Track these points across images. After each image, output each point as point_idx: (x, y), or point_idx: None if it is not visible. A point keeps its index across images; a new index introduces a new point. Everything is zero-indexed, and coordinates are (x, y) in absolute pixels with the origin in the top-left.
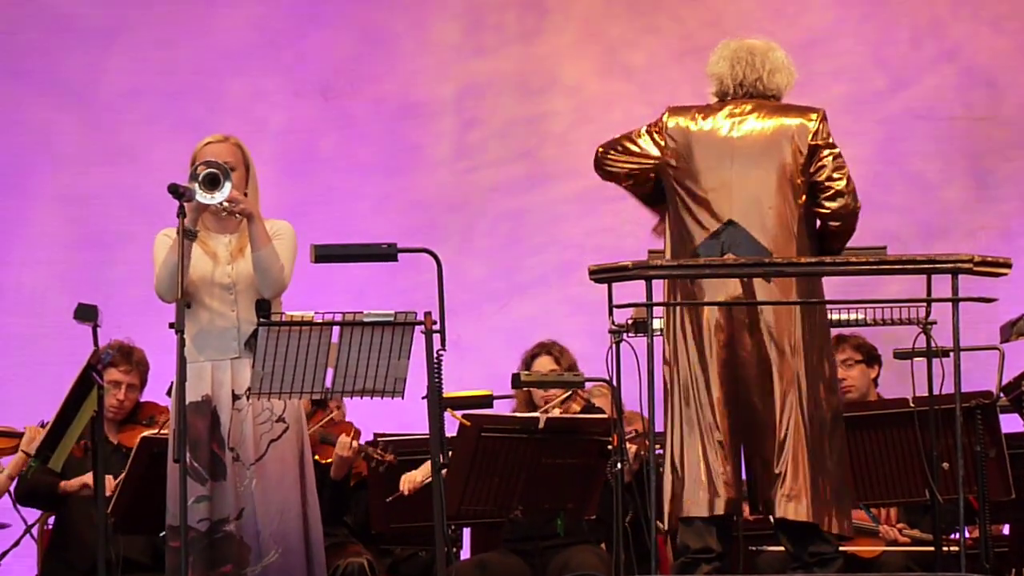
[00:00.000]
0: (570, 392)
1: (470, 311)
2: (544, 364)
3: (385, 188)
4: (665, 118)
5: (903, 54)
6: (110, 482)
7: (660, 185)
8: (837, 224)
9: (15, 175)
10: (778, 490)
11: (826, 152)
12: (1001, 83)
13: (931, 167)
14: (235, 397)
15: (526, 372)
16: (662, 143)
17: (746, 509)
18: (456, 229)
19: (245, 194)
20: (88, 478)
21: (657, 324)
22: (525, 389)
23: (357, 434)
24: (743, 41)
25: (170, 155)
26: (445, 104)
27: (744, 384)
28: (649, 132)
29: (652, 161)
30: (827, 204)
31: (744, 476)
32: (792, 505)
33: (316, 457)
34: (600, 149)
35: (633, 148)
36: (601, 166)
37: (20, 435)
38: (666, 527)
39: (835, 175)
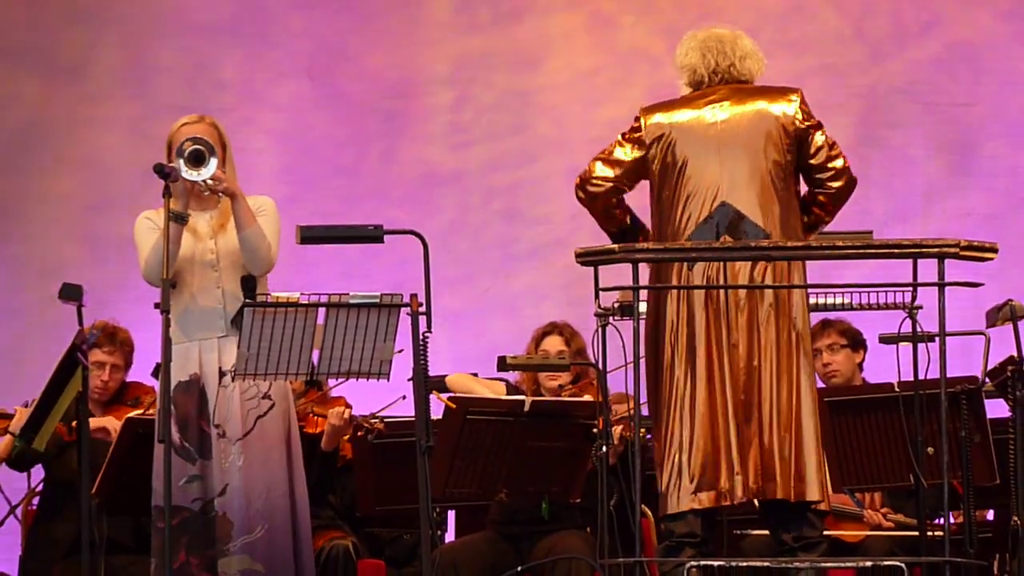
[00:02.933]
0: (577, 378)
1: (462, 286)
2: (553, 343)
3: (377, 165)
4: (641, 119)
5: (883, 28)
6: (117, 425)
7: (630, 221)
8: (837, 200)
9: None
10: (771, 470)
11: (816, 134)
12: (986, 63)
13: (914, 149)
14: (222, 374)
15: (512, 356)
16: (641, 145)
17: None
18: (448, 204)
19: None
20: (105, 421)
21: (643, 307)
22: (531, 377)
23: (349, 407)
24: (709, 30)
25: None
26: (437, 80)
27: (734, 366)
28: (626, 140)
29: (634, 166)
30: (831, 184)
31: (737, 460)
32: (787, 485)
33: (310, 430)
34: (579, 177)
35: (615, 159)
36: (584, 187)
37: (8, 416)
38: (660, 514)
39: (832, 153)
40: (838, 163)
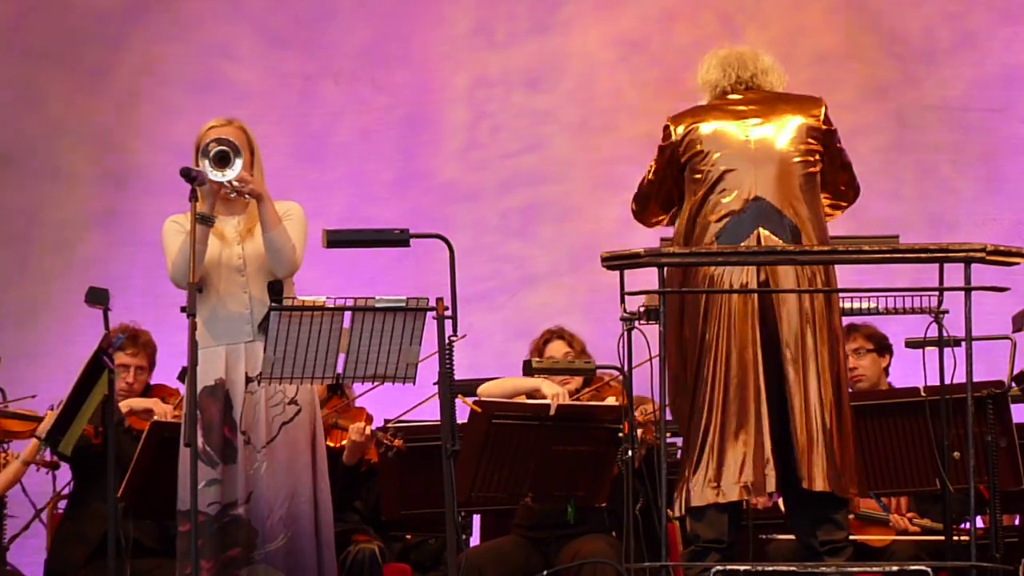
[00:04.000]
0: (588, 380)
1: (481, 301)
2: (558, 348)
3: (397, 177)
4: (670, 128)
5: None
6: (164, 408)
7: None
8: (846, 204)
9: (26, 153)
10: (807, 465)
11: (835, 138)
12: (1016, 75)
13: (943, 158)
14: (248, 380)
15: (538, 359)
16: (673, 153)
17: (762, 500)
18: (468, 219)
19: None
20: (151, 403)
21: None
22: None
23: (369, 420)
24: (730, 48)
25: (184, 137)
26: (458, 93)
27: (766, 366)
28: (661, 151)
29: (673, 178)
30: (844, 191)
31: (766, 457)
32: (820, 479)
33: (330, 443)
34: (633, 210)
35: (654, 184)
36: (642, 202)
37: (38, 419)
38: (677, 513)
39: (844, 160)
40: (848, 172)
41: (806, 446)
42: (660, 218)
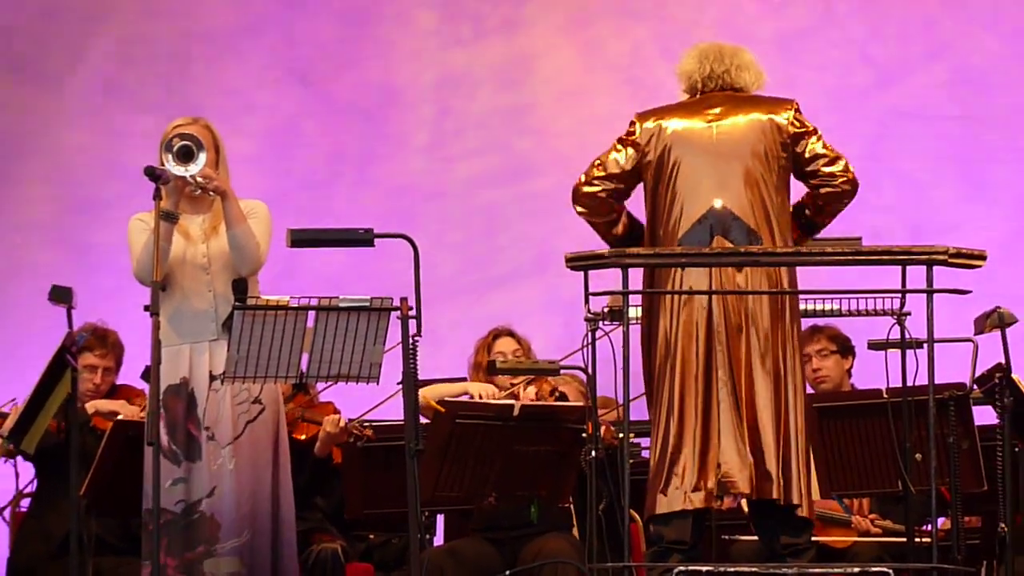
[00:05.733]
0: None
1: (444, 302)
2: (507, 345)
3: (362, 176)
4: (636, 123)
5: (892, 50)
6: (131, 411)
7: (630, 226)
8: (840, 199)
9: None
10: (767, 473)
11: (811, 141)
12: (992, 82)
13: (920, 167)
14: (212, 378)
15: (503, 360)
16: (637, 148)
17: (727, 501)
18: (432, 219)
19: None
20: (117, 405)
21: (636, 312)
22: (489, 377)
23: (338, 414)
24: (713, 42)
25: (149, 139)
26: (423, 93)
27: (730, 370)
28: (621, 144)
29: (630, 172)
30: (824, 190)
31: (734, 461)
32: (778, 488)
33: (300, 436)
34: (574, 186)
35: (610, 164)
36: (579, 195)
37: (4, 416)
38: (647, 514)
39: (829, 159)
40: (835, 168)
41: (763, 453)
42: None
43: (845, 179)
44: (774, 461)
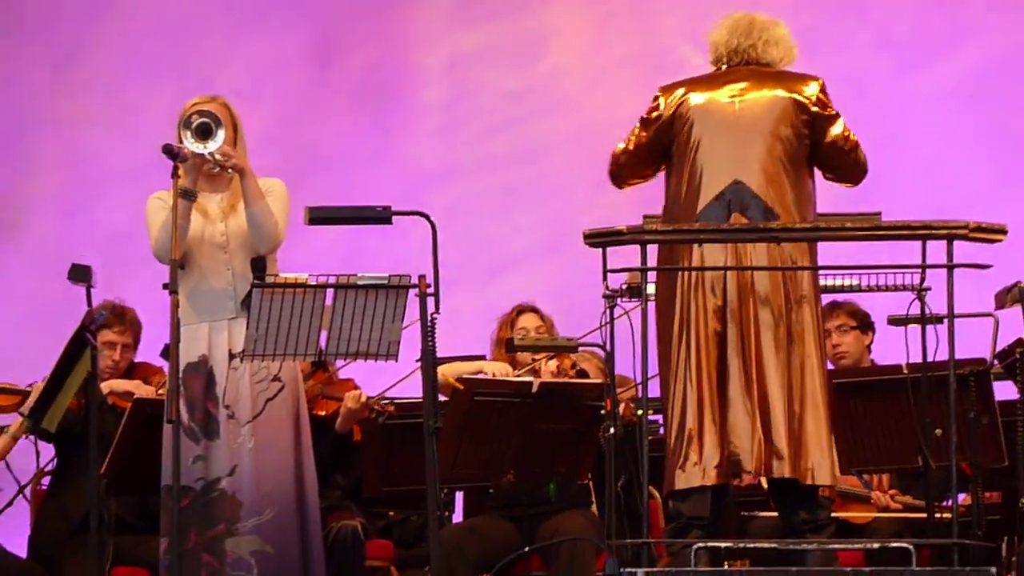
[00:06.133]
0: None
1: (459, 282)
2: (530, 321)
3: (376, 157)
4: (660, 98)
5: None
6: (147, 391)
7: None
8: (847, 183)
9: (14, 135)
10: (776, 450)
11: (831, 125)
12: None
13: (952, 150)
14: (231, 356)
15: (520, 337)
16: (660, 123)
17: (746, 478)
18: (446, 200)
19: None
20: (132, 385)
21: (654, 288)
22: (508, 354)
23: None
24: (748, 13)
25: (164, 118)
26: (438, 71)
27: (742, 347)
28: (645, 121)
29: (656, 147)
30: (835, 175)
31: (743, 439)
32: (789, 465)
33: (321, 412)
34: (609, 164)
35: (637, 146)
36: (613, 178)
37: (24, 392)
38: (666, 490)
39: (845, 147)
40: (847, 158)
41: (777, 431)
42: (635, 182)
43: (854, 170)
44: (784, 438)
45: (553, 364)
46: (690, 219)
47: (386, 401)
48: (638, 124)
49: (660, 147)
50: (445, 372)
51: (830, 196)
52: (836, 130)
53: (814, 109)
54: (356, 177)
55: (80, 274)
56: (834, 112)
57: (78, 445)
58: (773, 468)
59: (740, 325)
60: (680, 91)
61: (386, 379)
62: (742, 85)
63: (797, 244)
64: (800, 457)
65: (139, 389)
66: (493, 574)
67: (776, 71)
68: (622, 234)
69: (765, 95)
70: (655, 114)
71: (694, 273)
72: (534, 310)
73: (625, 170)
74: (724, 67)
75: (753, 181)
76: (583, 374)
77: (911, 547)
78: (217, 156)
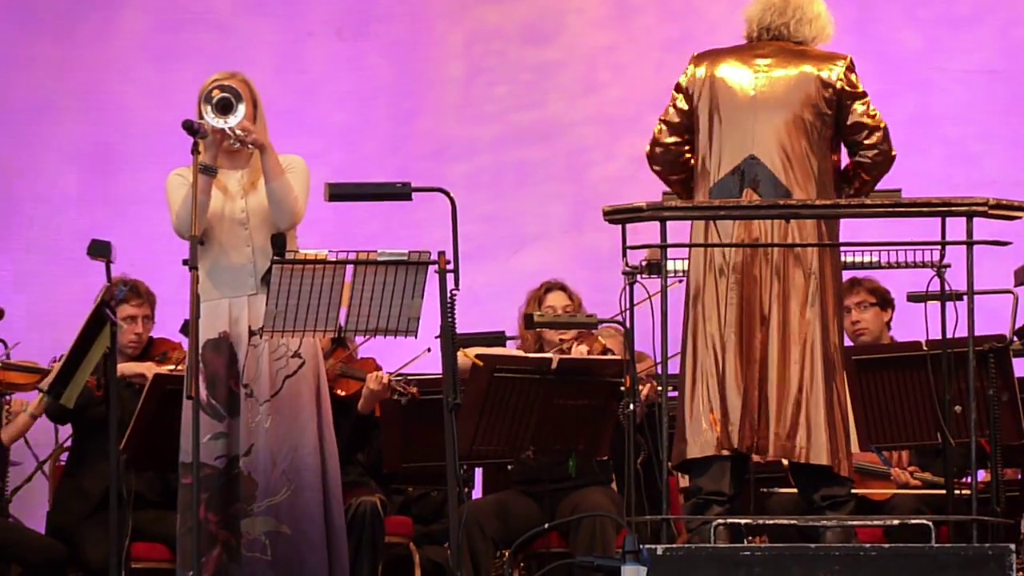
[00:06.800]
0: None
1: (479, 258)
2: (558, 299)
3: (396, 132)
4: (689, 67)
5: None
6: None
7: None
8: (872, 171)
9: (30, 114)
10: (794, 433)
11: (857, 103)
12: None
13: (969, 129)
14: (251, 333)
15: (539, 313)
16: (687, 94)
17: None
18: (464, 175)
19: None
20: (144, 367)
21: (673, 265)
22: (534, 331)
23: (379, 369)
24: None
25: (184, 95)
26: (456, 48)
27: (759, 325)
28: (675, 94)
29: (688, 118)
30: (863, 156)
31: (733, 414)
32: (806, 449)
33: (342, 392)
34: (649, 143)
35: (670, 118)
36: (652, 156)
37: (44, 371)
38: (672, 463)
39: (870, 125)
40: (872, 139)
41: (762, 409)
42: (665, 144)
43: (879, 151)
44: (774, 417)
45: (583, 348)
46: (704, 193)
47: (409, 381)
48: (671, 97)
49: (690, 119)
50: (467, 351)
51: None
52: (860, 113)
53: (839, 86)
54: (375, 152)
55: (100, 249)
56: (860, 91)
57: (96, 426)
58: (762, 447)
59: (739, 300)
60: (708, 62)
61: (405, 355)
62: (768, 61)
63: (800, 221)
64: (792, 437)
65: (150, 371)
66: (513, 550)
67: (804, 49)
68: (642, 211)
69: (791, 72)
70: (683, 86)
71: (707, 249)
72: (563, 288)
73: (658, 146)
74: (755, 41)
75: (768, 157)
76: (609, 352)
77: (930, 524)
78: (237, 131)
